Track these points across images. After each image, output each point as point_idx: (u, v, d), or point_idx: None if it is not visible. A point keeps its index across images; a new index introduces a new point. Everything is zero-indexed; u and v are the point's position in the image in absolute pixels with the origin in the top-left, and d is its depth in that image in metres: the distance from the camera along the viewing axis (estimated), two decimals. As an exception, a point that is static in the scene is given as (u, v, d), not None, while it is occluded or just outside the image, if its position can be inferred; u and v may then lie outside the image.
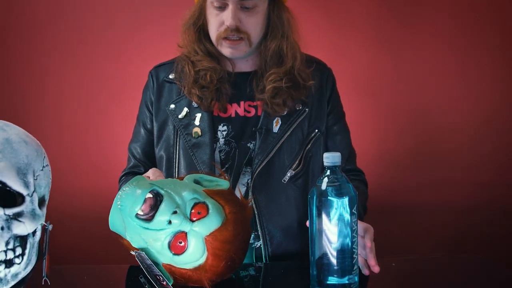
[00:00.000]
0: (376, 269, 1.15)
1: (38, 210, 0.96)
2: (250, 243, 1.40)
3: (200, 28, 1.48)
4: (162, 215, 1.06)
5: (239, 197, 1.18)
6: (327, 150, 1.52)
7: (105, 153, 2.13)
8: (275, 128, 1.47)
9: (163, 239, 1.06)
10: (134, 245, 1.11)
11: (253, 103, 1.50)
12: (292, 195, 1.46)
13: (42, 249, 1.00)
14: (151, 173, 1.25)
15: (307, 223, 1.09)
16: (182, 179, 1.19)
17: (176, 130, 1.48)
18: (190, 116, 1.48)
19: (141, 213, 1.07)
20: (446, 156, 2.18)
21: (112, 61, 2.13)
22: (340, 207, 1.03)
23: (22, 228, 0.92)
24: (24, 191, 0.93)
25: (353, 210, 1.04)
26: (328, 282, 1.05)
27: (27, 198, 0.94)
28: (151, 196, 1.07)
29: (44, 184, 1.00)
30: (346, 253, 1.04)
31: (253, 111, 1.49)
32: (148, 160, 1.54)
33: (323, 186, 1.04)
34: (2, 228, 0.89)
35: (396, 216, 2.16)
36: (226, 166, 1.46)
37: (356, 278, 1.06)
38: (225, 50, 1.44)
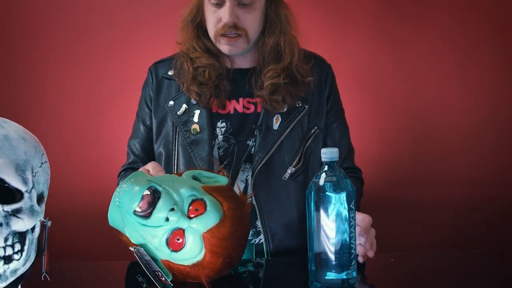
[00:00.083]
0: (371, 253, 1.18)
1: (36, 207, 0.96)
2: (249, 240, 1.40)
3: (198, 25, 1.48)
4: (160, 212, 1.06)
5: (238, 194, 1.18)
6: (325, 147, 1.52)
7: (105, 151, 2.14)
8: (275, 125, 1.47)
9: (161, 236, 1.07)
10: (133, 241, 1.11)
11: (252, 99, 1.50)
12: (293, 192, 1.46)
13: (41, 246, 1.00)
14: (151, 167, 1.24)
15: None
16: (180, 175, 1.19)
17: (175, 126, 1.48)
18: (189, 112, 1.48)
19: (139, 210, 1.07)
20: (445, 155, 2.19)
21: (112, 60, 2.14)
22: (338, 202, 1.03)
23: (20, 224, 0.92)
24: (22, 188, 0.93)
25: (351, 206, 1.04)
26: (326, 278, 1.05)
27: (26, 195, 0.94)
28: (149, 193, 1.08)
29: (42, 181, 1.00)
30: (344, 248, 1.04)
31: (252, 108, 1.50)
32: (146, 157, 1.54)
33: (321, 182, 1.04)
34: (1, 225, 0.89)
35: (395, 214, 2.16)
36: (225, 162, 1.46)
37: (355, 273, 1.07)
38: (223, 47, 1.44)
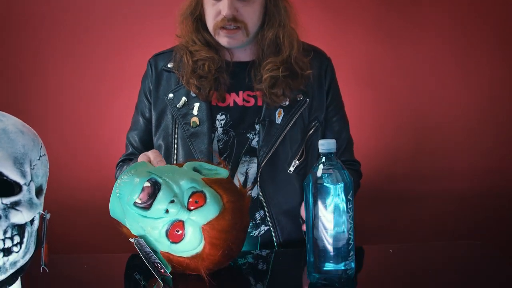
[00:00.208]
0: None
1: (35, 199, 0.96)
2: (248, 232, 1.41)
3: (197, 18, 1.48)
4: (160, 203, 1.06)
5: (238, 187, 1.18)
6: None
7: (105, 145, 2.14)
8: (278, 119, 1.47)
9: (161, 228, 1.07)
10: (133, 232, 1.12)
11: (252, 93, 1.50)
12: (298, 185, 1.47)
13: (40, 238, 1.01)
14: (152, 156, 1.23)
15: (304, 227, 1.08)
16: (181, 165, 1.19)
17: (175, 119, 1.49)
18: (188, 105, 1.48)
19: (139, 202, 1.07)
20: (445, 149, 2.19)
21: (113, 56, 2.14)
22: (336, 193, 1.03)
23: (19, 217, 0.93)
24: (21, 181, 0.94)
25: (348, 197, 1.04)
26: (325, 269, 1.05)
27: (24, 187, 0.94)
28: (149, 184, 1.08)
29: (41, 174, 1.00)
30: (342, 239, 1.04)
31: (252, 101, 1.49)
32: (145, 149, 1.53)
33: (319, 173, 1.05)
34: (0, 217, 0.90)
35: (394, 207, 2.17)
36: (224, 155, 1.46)
37: (353, 264, 1.07)
38: (222, 39, 1.44)
